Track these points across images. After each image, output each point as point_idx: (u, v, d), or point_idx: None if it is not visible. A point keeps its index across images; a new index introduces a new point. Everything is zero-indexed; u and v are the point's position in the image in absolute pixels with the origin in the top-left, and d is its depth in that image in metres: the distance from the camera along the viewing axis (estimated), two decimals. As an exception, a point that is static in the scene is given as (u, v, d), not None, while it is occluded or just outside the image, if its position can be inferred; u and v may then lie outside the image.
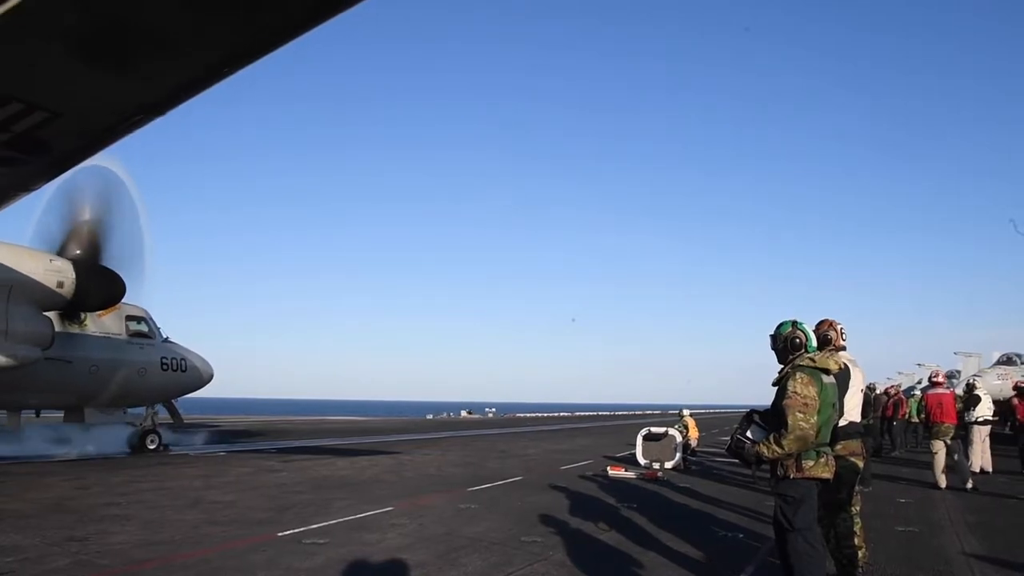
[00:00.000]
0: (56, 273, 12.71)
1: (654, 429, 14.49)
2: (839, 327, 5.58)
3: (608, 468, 13.13)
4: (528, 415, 62.53)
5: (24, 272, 12.30)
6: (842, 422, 5.04)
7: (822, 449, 4.29)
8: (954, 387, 17.17)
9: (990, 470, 13.31)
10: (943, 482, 11.25)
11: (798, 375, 4.26)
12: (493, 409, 72.97)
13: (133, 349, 15.82)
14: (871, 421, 13.43)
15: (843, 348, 5.52)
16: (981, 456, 13.36)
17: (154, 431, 16.52)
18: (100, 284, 13.60)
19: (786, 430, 4.13)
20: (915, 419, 19.93)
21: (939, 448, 11.58)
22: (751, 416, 4.52)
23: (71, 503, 8.68)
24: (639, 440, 14.34)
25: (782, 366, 4.48)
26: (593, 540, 7.05)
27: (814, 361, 4.37)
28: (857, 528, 5.43)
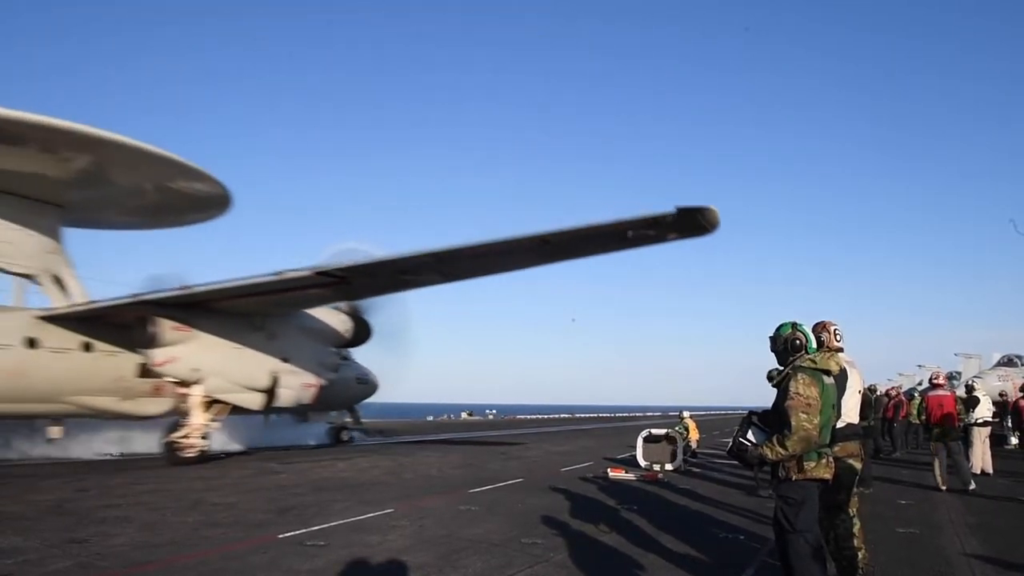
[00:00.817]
0: (344, 323, 19.26)
1: (654, 431, 14.48)
2: (832, 328, 5.57)
3: (608, 470, 13.12)
4: (529, 416, 62.52)
5: (331, 324, 18.82)
6: (840, 423, 5.04)
7: (823, 450, 4.29)
8: (955, 388, 17.14)
9: (991, 471, 13.30)
10: (944, 484, 11.24)
11: (799, 376, 4.25)
12: (494, 411, 72.87)
13: (343, 367, 20.14)
14: (872, 423, 13.41)
15: (840, 350, 5.50)
16: (981, 458, 13.34)
17: (345, 427, 21.94)
18: (363, 328, 19.85)
19: (789, 431, 4.13)
20: (916, 420, 19.94)
21: (939, 450, 11.58)
22: (750, 418, 4.50)
23: (71, 505, 8.68)
24: (639, 442, 14.34)
25: (782, 368, 4.48)
26: (594, 542, 7.05)
27: (815, 362, 4.36)
28: (856, 529, 5.42)
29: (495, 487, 10.99)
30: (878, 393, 18.38)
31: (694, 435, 15.42)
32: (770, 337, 4.56)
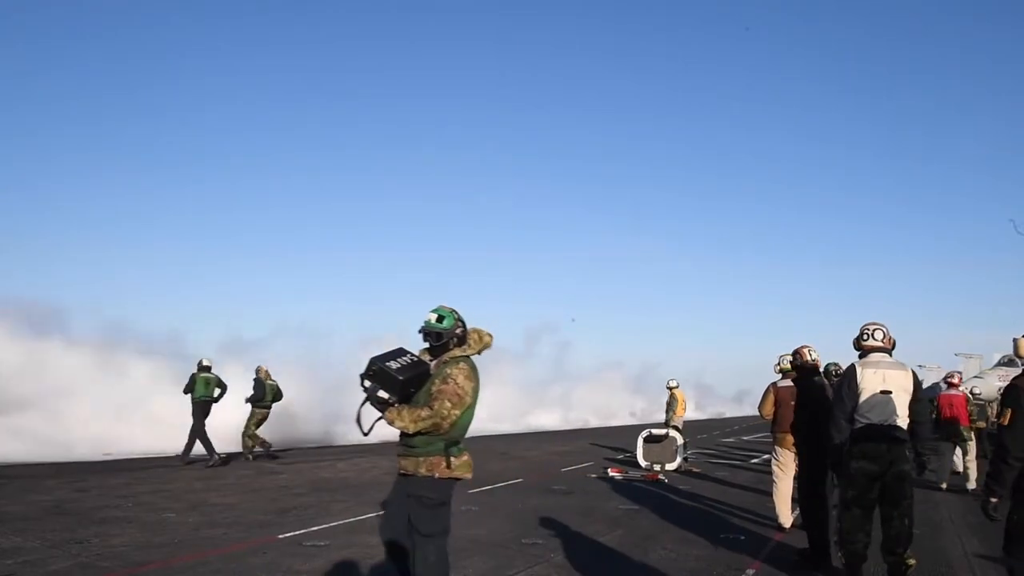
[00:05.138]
0: None
1: (655, 431, 14.45)
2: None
3: (609, 470, 13.12)
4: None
5: None
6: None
7: (463, 447, 4.11)
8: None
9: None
10: (944, 483, 11.27)
11: (462, 365, 4.04)
12: None
13: None
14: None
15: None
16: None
17: None
18: None
19: (429, 411, 3.89)
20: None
21: (947, 449, 11.69)
22: (402, 353, 4.12)
23: (71, 505, 8.67)
24: (640, 442, 14.32)
25: (432, 354, 4.22)
26: (594, 542, 7.04)
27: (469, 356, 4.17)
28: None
29: (495, 487, 10.98)
30: None
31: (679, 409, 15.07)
32: (430, 323, 4.15)
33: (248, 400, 14.50)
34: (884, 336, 5.38)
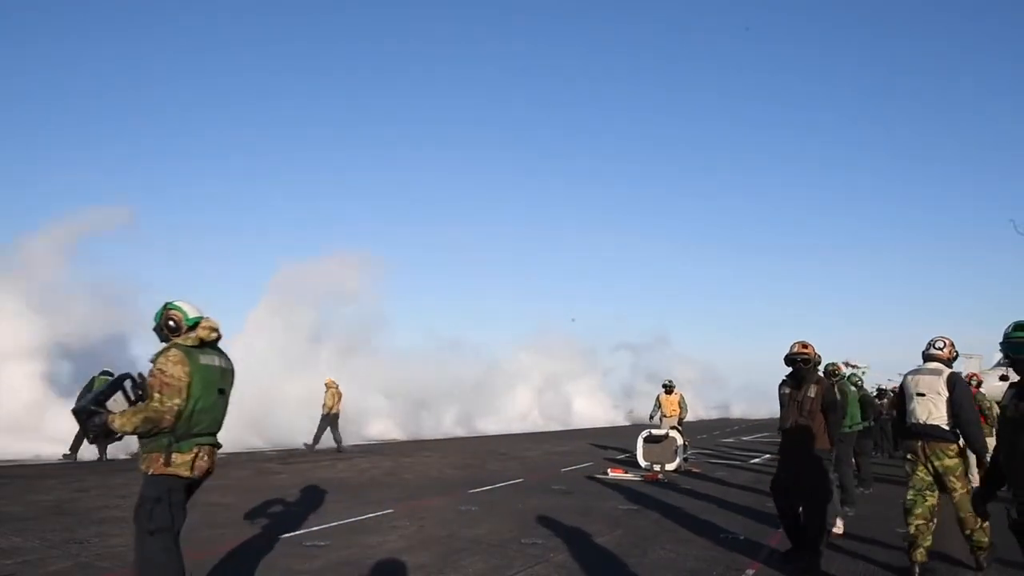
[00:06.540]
0: None
1: (655, 431, 14.46)
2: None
3: (609, 470, 13.12)
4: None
5: None
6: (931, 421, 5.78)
7: (199, 441, 3.93)
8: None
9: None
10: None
11: (170, 352, 3.89)
12: None
13: None
14: (871, 423, 13.40)
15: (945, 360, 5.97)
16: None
17: None
18: None
19: (143, 406, 3.82)
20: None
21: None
22: (127, 379, 4.03)
23: (71, 505, 8.68)
24: (640, 442, 14.32)
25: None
26: (594, 542, 7.04)
27: (192, 341, 4.02)
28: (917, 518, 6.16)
29: (495, 487, 10.99)
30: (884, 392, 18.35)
31: (670, 410, 15.18)
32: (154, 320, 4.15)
33: None
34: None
